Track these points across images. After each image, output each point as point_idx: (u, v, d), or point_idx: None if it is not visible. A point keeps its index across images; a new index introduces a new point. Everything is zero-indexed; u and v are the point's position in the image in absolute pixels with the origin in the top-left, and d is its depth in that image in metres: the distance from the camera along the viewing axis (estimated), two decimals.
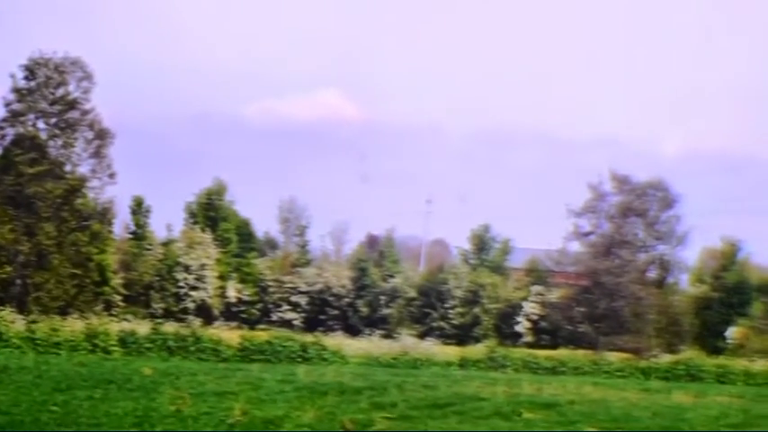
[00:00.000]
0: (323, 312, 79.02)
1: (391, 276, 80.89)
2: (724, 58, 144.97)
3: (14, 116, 66.44)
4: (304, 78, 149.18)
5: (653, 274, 78.36)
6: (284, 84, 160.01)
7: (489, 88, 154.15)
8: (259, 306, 79.25)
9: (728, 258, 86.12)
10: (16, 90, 66.20)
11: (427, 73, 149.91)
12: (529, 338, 76.23)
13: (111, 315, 62.35)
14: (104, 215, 70.12)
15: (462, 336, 75.08)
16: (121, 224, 78.39)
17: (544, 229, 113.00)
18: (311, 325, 74.71)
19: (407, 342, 60.44)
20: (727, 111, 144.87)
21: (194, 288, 75.84)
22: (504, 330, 76.85)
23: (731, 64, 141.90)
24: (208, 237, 78.02)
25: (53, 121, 67.09)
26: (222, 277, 78.07)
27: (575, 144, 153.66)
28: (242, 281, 79.31)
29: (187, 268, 75.94)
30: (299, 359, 51.90)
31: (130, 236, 78.71)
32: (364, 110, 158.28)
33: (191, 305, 75.33)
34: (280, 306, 79.00)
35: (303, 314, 78.72)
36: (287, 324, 73.76)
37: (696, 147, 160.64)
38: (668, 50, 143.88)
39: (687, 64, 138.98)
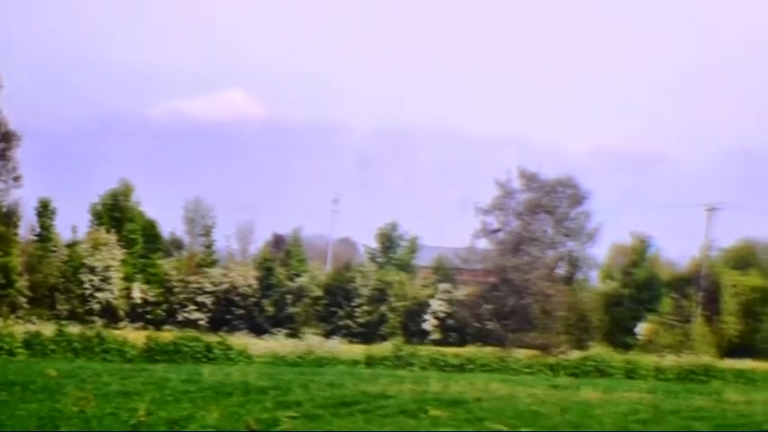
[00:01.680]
0: (229, 312, 78.44)
1: (297, 275, 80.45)
2: (631, 55, 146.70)
3: None
4: (208, 79, 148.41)
5: (562, 270, 78.65)
6: (189, 84, 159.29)
7: (395, 86, 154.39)
8: (164, 306, 78.44)
9: (638, 254, 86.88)
10: None
11: (332, 71, 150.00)
12: (436, 336, 76.23)
13: (16, 317, 61.52)
14: (9, 218, 69.22)
15: (369, 334, 74.87)
16: (27, 226, 77.29)
17: (452, 227, 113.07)
18: (217, 325, 74.20)
19: (313, 341, 60.24)
20: (635, 108, 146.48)
21: (99, 289, 74.90)
22: (411, 328, 76.81)
23: (638, 61, 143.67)
24: (113, 238, 77.07)
25: None
26: (127, 278, 77.15)
27: (482, 142, 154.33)
28: (147, 281, 78.45)
29: (92, 270, 74.98)
30: (205, 359, 51.52)
31: (35, 238, 77.49)
32: (269, 109, 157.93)
33: (96, 306, 74.39)
34: (185, 306, 78.24)
35: (209, 314, 78.06)
36: (192, 324, 73.08)
37: (604, 144, 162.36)
38: (575, 48, 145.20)
39: (595, 61, 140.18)
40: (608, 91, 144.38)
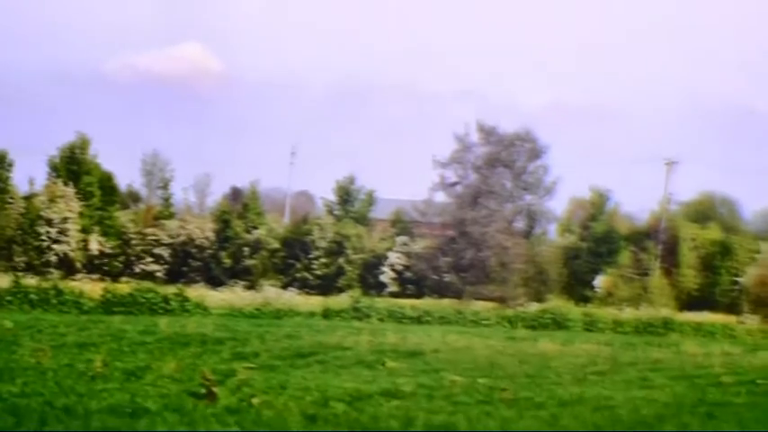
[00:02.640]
0: (186, 264, 78.17)
1: (254, 228, 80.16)
2: (589, 10, 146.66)
3: None
4: (164, 33, 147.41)
5: (520, 224, 78.82)
6: (146, 38, 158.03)
7: (352, 41, 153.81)
8: (121, 259, 78.08)
9: (597, 208, 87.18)
10: None
11: (289, 25, 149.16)
12: (394, 289, 76.20)
13: None
14: None
15: (326, 286, 74.78)
16: None
17: (411, 180, 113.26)
18: (174, 277, 73.96)
19: (270, 293, 60.24)
20: (594, 63, 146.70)
21: (56, 241, 74.50)
22: (369, 281, 76.76)
23: (596, 16, 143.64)
24: (70, 190, 76.56)
25: None
26: (84, 230, 76.68)
27: (440, 96, 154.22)
28: (104, 234, 77.99)
29: (49, 222, 74.55)
30: (162, 311, 51.46)
31: None
32: (225, 63, 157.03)
33: (53, 258, 74.01)
34: (142, 258, 77.89)
35: (166, 266, 77.75)
36: (149, 276, 72.69)
37: (563, 98, 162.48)
38: (532, 3, 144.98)
39: (553, 15, 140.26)
40: (566, 46, 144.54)
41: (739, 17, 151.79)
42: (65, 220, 75.13)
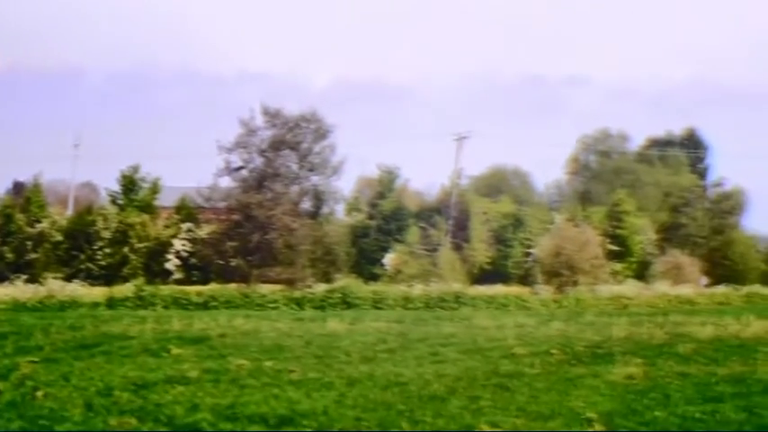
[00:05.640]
0: None
1: (38, 221, 78.29)
2: None
3: None
4: None
5: (307, 205, 78.90)
6: None
7: (132, 28, 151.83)
8: None
9: (385, 186, 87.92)
10: None
11: (68, 16, 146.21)
12: (179, 275, 75.51)
13: None
14: None
15: (111, 276, 73.46)
16: None
17: (197, 167, 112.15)
18: None
19: (54, 285, 58.96)
20: (378, 39, 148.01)
21: None
22: (154, 269, 75.78)
23: None
24: None
25: None
26: None
27: (224, 80, 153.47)
28: None
29: None
30: None
31: None
32: (4, 56, 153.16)
33: None
34: None
35: None
36: None
37: (348, 76, 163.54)
38: None
39: None
40: (350, 22, 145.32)
41: None
42: None
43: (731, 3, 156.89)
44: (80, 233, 77.03)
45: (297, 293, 60.70)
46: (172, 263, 76.41)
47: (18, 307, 52.28)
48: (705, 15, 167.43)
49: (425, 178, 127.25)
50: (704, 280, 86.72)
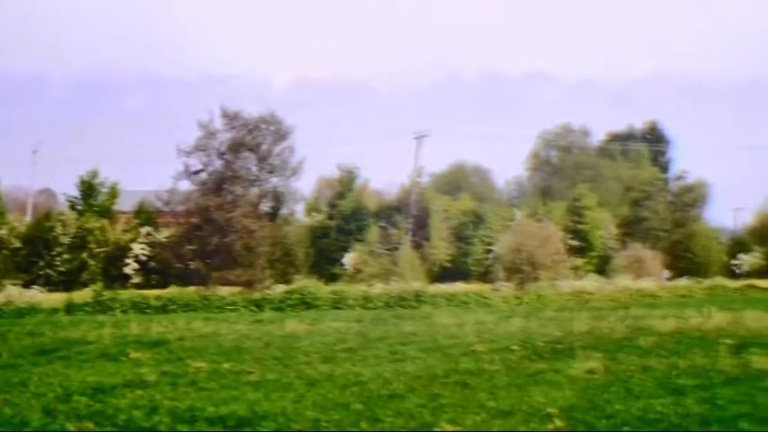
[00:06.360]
0: None
1: None
2: None
3: None
4: None
5: (266, 207, 78.82)
6: None
7: (90, 33, 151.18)
8: None
9: (345, 186, 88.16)
10: None
11: (25, 19, 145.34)
12: (138, 280, 75.31)
13: None
14: None
15: (69, 282, 73.17)
16: None
17: (156, 171, 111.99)
18: None
19: (13, 292, 58.55)
20: (337, 38, 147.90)
21: None
22: (113, 273, 75.59)
23: None
24: None
25: None
26: None
27: (183, 83, 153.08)
28: None
29: None
30: None
31: None
32: None
33: None
34: None
35: None
36: None
37: (308, 76, 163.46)
38: None
39: None
40: (307, 22, 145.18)
41: None
42: None
43: None
44: (39, 239, 76.75)
45: (256, 295, 60.47)
46: (131, 267, 76.24)
47: None
48: (665, 9, 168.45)
49: (385, 177, 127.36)
50: (666, 273, 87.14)
